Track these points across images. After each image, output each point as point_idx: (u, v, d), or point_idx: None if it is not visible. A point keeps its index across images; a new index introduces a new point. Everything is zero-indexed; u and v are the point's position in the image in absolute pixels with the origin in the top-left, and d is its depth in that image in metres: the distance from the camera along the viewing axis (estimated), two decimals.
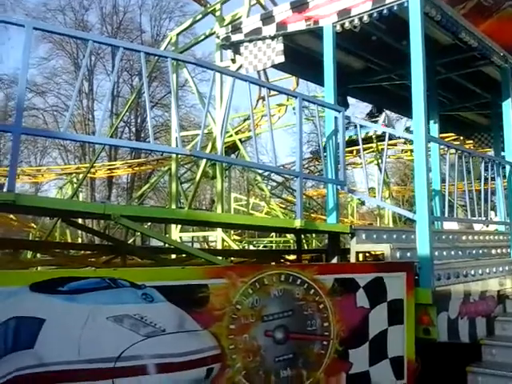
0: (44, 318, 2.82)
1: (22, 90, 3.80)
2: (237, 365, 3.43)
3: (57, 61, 35.47)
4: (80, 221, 6.74)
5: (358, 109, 27.39)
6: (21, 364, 2.74)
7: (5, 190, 3.40)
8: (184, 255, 6.76)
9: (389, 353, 4.23)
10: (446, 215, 7.01)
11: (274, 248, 20.20)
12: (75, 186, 18.56)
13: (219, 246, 11.71)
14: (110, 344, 2.98)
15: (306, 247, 16.20)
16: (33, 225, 21.80)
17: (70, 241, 18.10)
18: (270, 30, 6.06)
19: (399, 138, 14.99)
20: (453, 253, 5.64)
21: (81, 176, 18.89)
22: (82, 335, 2.89)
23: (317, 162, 22.66)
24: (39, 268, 6.57)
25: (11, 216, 19.66)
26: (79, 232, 19.85)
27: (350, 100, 8.38)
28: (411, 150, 17.74)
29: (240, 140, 16.56)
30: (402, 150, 21.39)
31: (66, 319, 2.88)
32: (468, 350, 5.01)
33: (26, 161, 34.63)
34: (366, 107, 22.28)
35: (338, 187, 5.62)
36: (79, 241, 19.72)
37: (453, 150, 5.81)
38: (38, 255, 9.13)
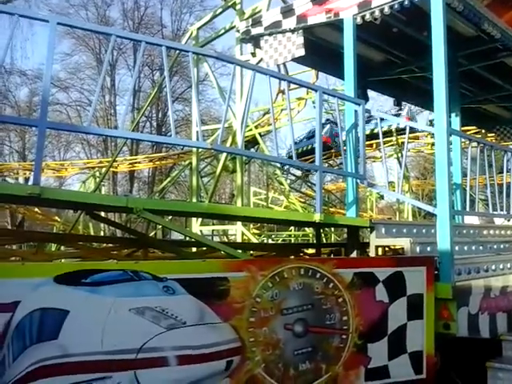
0: (68, 310, 2.89)
1: (46, 85, 3.83)
2: (256, 357, 3.47)
3: (80, 56, 35.84)
4: (102, 214, 6.83)
5: (378, 102, 27.20)
6: (45, 354, 2.82)
7: (30, 183, 3.48)
8: (204, 248, 6.81)
9: (408, 347, 4.21)
10: (467, 209, 6.92)
11: (292, 242, 20.19)
12: (98, 179, 18.78)
13: (239, 240, 11.75)
14: (131, 336, 3.04)
15: (324, 241, 16.17)
16: (57, 218, 22.15)
17: (92, 234, 18.35)
18: (290, 23, 6.04)
19: (422, 131, 14.90)
20: (473, 247, 5.58)
21: (103, 170, 19.11)
22: (104, 327, 2.96)
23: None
24: (63, 260, 6.69)
25: (36, 209, 20.04)
26: (102, 225, 20.11)
27: (370, 93, 8.31)
28: (432, 144, 17.53)
29: (259, 134, 16.55)
30: (425, 143, 20.99)
31: (89, 311, 2.95)
32: (488, 346, 4.96)
33: (50, 155, 35.18)
34: (386, 100, 22.02)
35: (358, 181, 5.61)
36: (101, 234, 19.96)
37: (474, 143, 5.73)
38: (62, 248, 9.31)
